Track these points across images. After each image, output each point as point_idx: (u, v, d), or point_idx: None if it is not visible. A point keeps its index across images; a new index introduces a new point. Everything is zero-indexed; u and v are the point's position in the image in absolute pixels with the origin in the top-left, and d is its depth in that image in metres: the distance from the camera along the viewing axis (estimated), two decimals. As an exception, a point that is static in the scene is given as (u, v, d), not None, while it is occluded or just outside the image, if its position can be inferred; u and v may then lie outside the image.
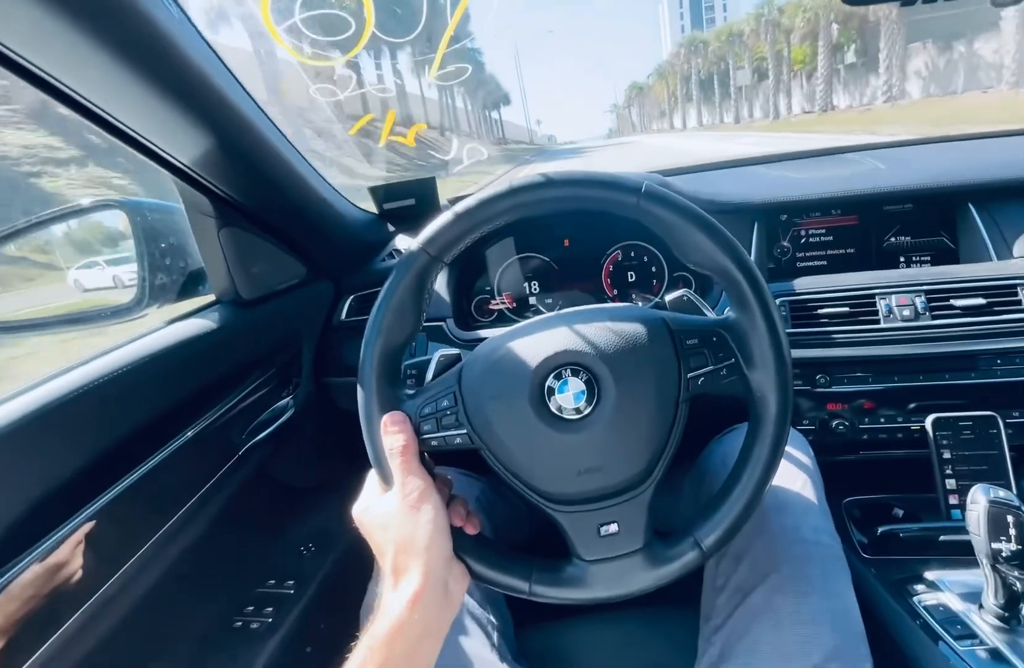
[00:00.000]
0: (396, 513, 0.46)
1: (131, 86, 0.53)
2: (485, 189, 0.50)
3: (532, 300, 1.06)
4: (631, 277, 1.03)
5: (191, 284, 0.78)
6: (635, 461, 0.48)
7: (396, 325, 0.49)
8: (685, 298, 0.57)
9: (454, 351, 0.55)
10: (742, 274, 0.48)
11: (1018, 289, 0.80)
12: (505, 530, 0.76)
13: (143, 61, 0.51)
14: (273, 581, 0.85)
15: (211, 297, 0.80)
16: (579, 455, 0.47)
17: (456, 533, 0.48)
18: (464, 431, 0.48)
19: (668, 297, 0.57)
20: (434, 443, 0.49)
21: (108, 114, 0.55)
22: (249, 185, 0.73)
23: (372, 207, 1.08)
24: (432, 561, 0.44)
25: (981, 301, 0.80)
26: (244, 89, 0.65)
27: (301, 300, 0.93)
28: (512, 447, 0.48)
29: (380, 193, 1.07)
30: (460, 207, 0.49)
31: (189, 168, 0.65)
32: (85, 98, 0.52)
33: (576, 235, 1.04)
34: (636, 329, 0.49)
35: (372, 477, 0.50)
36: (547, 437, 0.47)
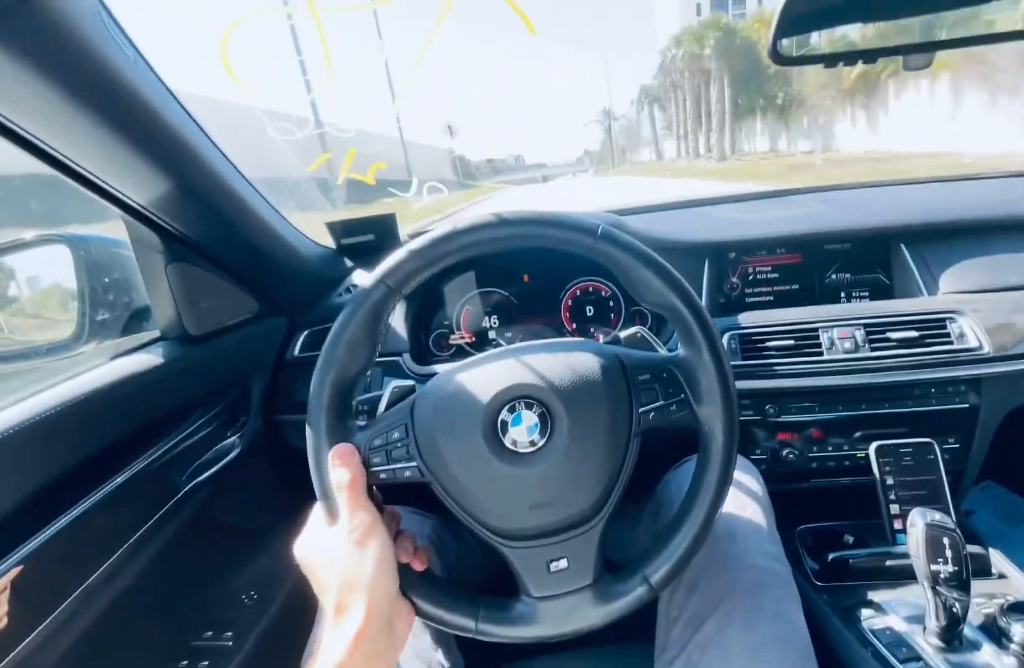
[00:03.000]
0: (341, 549, 0.44)
1: (83, 126, 0.52)
2: (444, 224, 0.51)
3: (492, 334, 1.07)
4: (589, 312, 1.05)
5: (135, 320, 0.76)
6: (586, 495, 0.48)
7: (349, 357, 0.49)
8: (639, 334, 0.58)
9: (408, 383, 0.55)
10: (690, 312, 0.50)
11: (946, 323, 0.85)
12: (458, 569, 0.74)
13: (96, 101, 0.51)
14: (210, 633, 0.79)
15: (156, 333, 0.78)
16: (531, 489, 0.47)
17: (403, 570, 0.46)
18: (414, 464, 0.48)
19: (623, 334, 0.58)
20: (383, 476, 0.48)
21: (61, 154, 0.54)
22: (201, 221, 0.72)
23: (331, 242, 1.08)
24: (376, 598, 0.43)
25: (914, 334, 0.84)
26: (200, 128, 0.65)
27: (252, 336, 0.91)
28: (463, 480, 0.47)
29: (338, 228, 1.06)
30: (418, 242, 0.50)
31: (140, 205, 0.65)
32: (36, 137, 0.51)
33: (536, 270, 1.06)
34: (590, 363, 0.50)
35: (317, 511, 0.49)
36: (499, 470, 0.47)
